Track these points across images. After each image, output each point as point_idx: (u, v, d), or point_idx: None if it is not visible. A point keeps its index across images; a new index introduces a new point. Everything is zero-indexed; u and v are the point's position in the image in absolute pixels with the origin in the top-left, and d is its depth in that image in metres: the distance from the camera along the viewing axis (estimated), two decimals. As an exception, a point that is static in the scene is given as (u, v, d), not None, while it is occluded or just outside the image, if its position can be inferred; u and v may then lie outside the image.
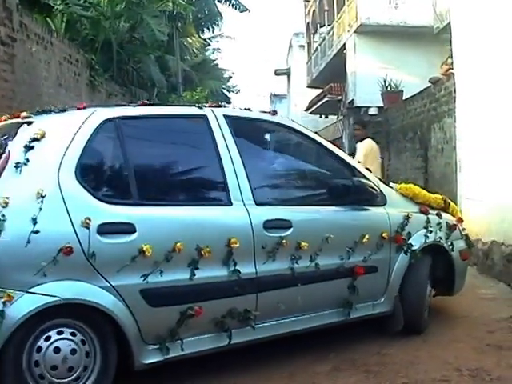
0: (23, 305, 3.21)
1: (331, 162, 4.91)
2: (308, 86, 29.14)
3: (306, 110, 27.81)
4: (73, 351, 3.39)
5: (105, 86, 11.60)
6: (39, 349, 3.31)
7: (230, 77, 38.28)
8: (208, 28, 30.16)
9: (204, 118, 4.23)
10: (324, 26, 25.65)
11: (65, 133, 3.65)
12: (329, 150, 4.86)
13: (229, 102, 36.79)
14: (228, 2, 25.23)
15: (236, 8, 25.48)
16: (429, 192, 5.49)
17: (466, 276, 5.66)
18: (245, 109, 4.68)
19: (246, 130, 4.53)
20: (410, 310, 4.99)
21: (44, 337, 3.33)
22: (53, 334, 3.36)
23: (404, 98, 13.76)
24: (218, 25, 30.62)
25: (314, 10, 27.34)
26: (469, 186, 8.32)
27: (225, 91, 36.38)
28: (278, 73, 39.94)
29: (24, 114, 3.83)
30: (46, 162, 3.52)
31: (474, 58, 8.00)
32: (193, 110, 4.39)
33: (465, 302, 6.19)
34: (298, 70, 33.71)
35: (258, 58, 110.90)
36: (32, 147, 3.46)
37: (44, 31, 8.34)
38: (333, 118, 25.94)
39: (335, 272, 4.48)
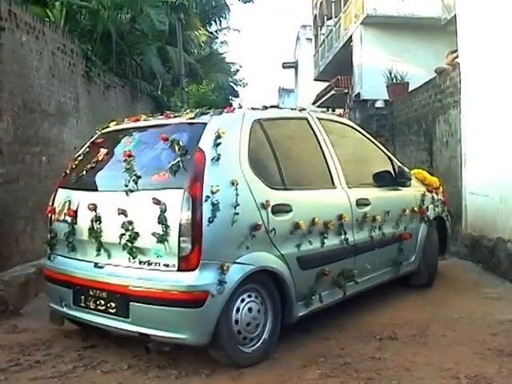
0: (235, 273, 4.02)
1: (379, 153, 6.17)
2: (315, 79, 28.69)
3: (314, 104, 27.39)
4: (258, 309, 4.27)
5: (102, 77, 11.25)
6: (238, 309, 4.15)
7: (238, 70, 37.84)
8: (215, 21, 29.90)
9: (306, 119, 5.32)
10: (331, 18, 25.20)
11: (234, 131, 4.40)
12: (376, 144, 6.17)
13: (237, 96, 36.58)
14: (232, -7, 24.87)
15: (239, -1, 25.09)
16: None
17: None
18: (321, 111, 6.04)
19: (328, 128, 5.47)
20: (428, 267, 6.49)
21: (240, 299, 4.15)
22: (245, 296, 4.20)
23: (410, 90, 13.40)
24: (225, 17, 30.39)
25: (321, 2, 26.92)
26: (474, 181, 8.07)
27: (232, 85, 35.96)
28: (285, 66, 39.41)
29: (189, 115, 4.53)
30: (231, 156, 4.25)
31: (480, 48, 7.72)
32: (298, 114, 5.43)
33: (468, 300, 5.97)
34: (306, 63, 33.26)
35: (265, 51, 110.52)
36: (219, 144, 4.16)
37: (35, 20, 7.98)
38: (340, 112, 25.57)
39: (392, 238, 5.77)
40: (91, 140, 5.16)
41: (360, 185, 5.52)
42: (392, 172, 6.03)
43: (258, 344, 4.29)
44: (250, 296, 4.23)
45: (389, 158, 6.19)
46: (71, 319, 4.83)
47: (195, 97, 28.65)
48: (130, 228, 4.12)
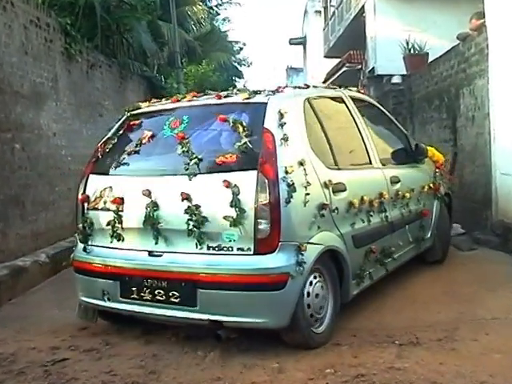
0: (310, 253, 4.23)
1: (398, 130, 6.60)
2: (325, 56, 28.19)
3: (324, 82, 26.93)
4: (323, 290, 4.48)
5: (85, 55, 10.81)
6: (308, 291, 4.31)
7: (241, 48, 37.24)
8: (215, -6, 29.52)
9: (341, 98, 5.59)
10: (341, -13, 24.74)
11: (293, 111, 4.58)
12: (393, 121, 6.61)
13: (241, 77, 36.11)
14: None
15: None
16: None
17: None
18: (355, 90, 6.15)
19: (357, 106, 5.74)
20: (442, 243, 6.96)
21: (310, 280, 4.32)
22: (313, 276, 4.39)
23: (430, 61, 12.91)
24: (225, -9, 30.03)
25: (330, -29, 26.45)
26: (505, 159, 7.72)
27: (236, 64, 35.48)
28: (292, 42, 38.81)
29: (245, 95, 4.67)
30: (295, 136, 4.44)
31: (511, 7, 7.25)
32: (334, 92, 5.71)
33: (502, 298, 5.62)
34: (315, 38, 32.73)
35: (270, 26, 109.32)
36: (284, 124, 4.34)
37: (1, -12, 7.59)
38: (353, 90, 25.02)
39: (415, 215, 6.17)
40: (121, 122, 5.18)
41: (388, 163, 5.87)
42: (409, 149, 6.41)
43: (324, 325, 4.49)
44: (316, 277, 4.42)
45: (405, 135, 6.63)
46: (107, 314, 4.92)
47: (194, 77, 28.14)
48: (197, 213, 4.19)
